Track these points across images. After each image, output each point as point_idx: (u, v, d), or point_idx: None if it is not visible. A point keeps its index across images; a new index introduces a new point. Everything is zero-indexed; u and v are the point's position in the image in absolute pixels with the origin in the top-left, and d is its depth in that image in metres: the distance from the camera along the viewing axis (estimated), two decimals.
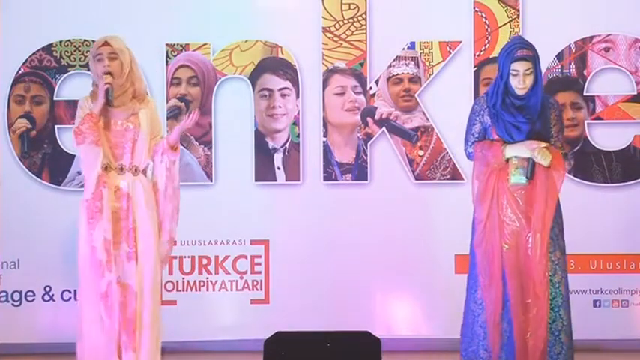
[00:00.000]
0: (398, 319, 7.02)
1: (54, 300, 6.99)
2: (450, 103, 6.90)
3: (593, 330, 6.79)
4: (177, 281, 6.99)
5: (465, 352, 5.60)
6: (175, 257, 6.84)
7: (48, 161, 7.06)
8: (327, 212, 7.01)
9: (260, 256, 7.04)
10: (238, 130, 7.04)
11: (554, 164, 5.48)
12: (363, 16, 7.04)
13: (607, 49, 6.99)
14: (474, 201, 5.59)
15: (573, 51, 6.99)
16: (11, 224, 6.98)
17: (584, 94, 6.98)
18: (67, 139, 7.01)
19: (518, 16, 6.99)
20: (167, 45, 7.05)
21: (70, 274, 6.68)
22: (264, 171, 7.05)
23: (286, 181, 7.05)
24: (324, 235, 6.98)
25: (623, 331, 6.92)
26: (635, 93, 6.98)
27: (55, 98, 7.06)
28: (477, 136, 5.61)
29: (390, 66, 7.03)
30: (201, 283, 7.04)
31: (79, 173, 6.97)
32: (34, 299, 7.01)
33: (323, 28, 7.06)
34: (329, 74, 7.06)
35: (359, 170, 7.04)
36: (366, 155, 7.02)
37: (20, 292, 7.02)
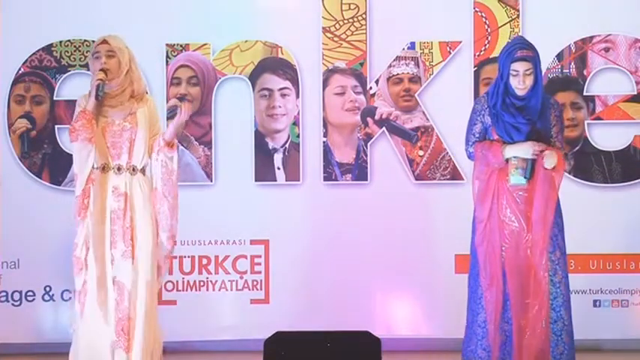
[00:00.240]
0: (398, 319, 7.02)
1: (54, 300, 6.99)
2: (450, 103, 6.90)
3: (593, 330, 6.79)
4: (177, 281, 6.99)
5: (465, 352, 5.60)
6: (175, 257, 6.83)
7: (48, 161, 7.06)
8: (327, 212, 7.01)
9: (260, 256, 7.04)
10: (238, 130, 7.04)
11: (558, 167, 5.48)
12: (363, 16, 7.04)
13: (607, 49, 6.99)
14: (475, 201, 5.59)
15: (573, 51, 6.99)
16: (11, 224, 6.98)
17: (584, 94, 6.98)
18: (67, 139, 6.97)
19: (518, 16, 6.99)
20: (167, 45, 7.05)
21: (70, 274, 6.67)
22: (264, 171, 7.05)
23: (286, 181, 7.05)
24: (324, 235, 6.98)
25: (623, 331, 6.92)
26: (635, 93, 6.98)
27: (55, 98, 7.06)
28: (477, 136, 5.61)
29: (390, 66, 7.03)
30: (201, 283, 7.04)
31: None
32: (34, 299, 7.01)
33: (323, 28, 7.06)
34: (329, 74, 7.06)
35: (359, 170, 7.04)
36: (366, 155, 7.02)
37: (20, 292, 7.02)
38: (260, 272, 7.03)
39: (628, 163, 6.96)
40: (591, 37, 6.99)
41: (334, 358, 5.29)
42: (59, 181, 7.03)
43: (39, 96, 7.07)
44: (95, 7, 7.01)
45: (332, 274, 6.95)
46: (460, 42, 7.01)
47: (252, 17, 7.07)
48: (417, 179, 7.02)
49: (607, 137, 6.97)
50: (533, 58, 5.46)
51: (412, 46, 7.03)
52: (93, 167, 5.39)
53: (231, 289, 7.03)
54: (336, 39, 7.06)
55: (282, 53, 7.06)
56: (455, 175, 6.94)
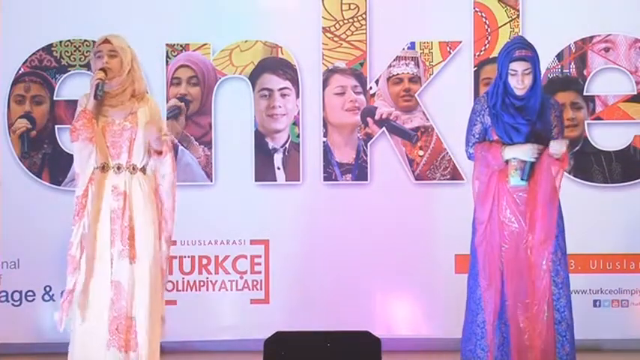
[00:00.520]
0: (398, 319, 7.02)
1: (54, 300, 6.98)
2: (450, 103, 6.90)
3: (593, 330, 6.79)
4: (177, 281, 6.99)
5: (464, 351, 5.60)
6: (175, 257, 6.84)
7: (48, 161, 7.06)
8: (327, 212, 7.01)
9: (260, 256, 7.04)
10: (238, 130, 7.04)
11: (553, 162, 5.47)
12: (363, 16, 7.04)
13: (607, 49, 6.99)
14: (475, 202, 5.59)
15: (573, 51, 6.99)
16: (11, 224, 6.98)
17: (584, 94, 6.98)
18: (67, 139, 7.00)
19: (518, 16, 6.99)
20: (167, 45, 7.05)
21: None
22: (264, 171, 7.05)
23: (286, 181, 7.05)
24: (324, 235, 6.98)
25: (623, 331, 6.92)
26: (635, 93, 6.98)
27: (55, 98, 7.06)
28: (477, 136, 5.60)
29: (390, 66, 7.03)
30: (201, 283, 7.04)
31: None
32: (34, 299, 7.01)
33: (323, 28, 7.07)
34: (329, 74, 7.06)
35: (359, 170, 7.04)
36: (366, 155, 7.02)
37: (20, 292, 7.02)
38: (260, 272, 7.03)
39: (628, 163, 6.96)
40: (591, 37, 6.99)
41: (334, 358, 5.29)
42: (59, 181, 7.03)
43: (39, 96, 7.07)
44: (95, 7, 7.01)
45: (332, 274, 6.95)
46: (460, 42, 7.01)
47: (252, 17, 7.07)
48: (417, 179, 7.02)
49: (607, 137, 6.97)
50: (532, 58, 5.46)
51: (412, 46, 7.03)
52: (94, 167, 5.39)
53: (231, 289, 7.03)
54: (336, 39, 7.06)
55: (282, 53, 7.06)
56: (455, 175, 6.94)
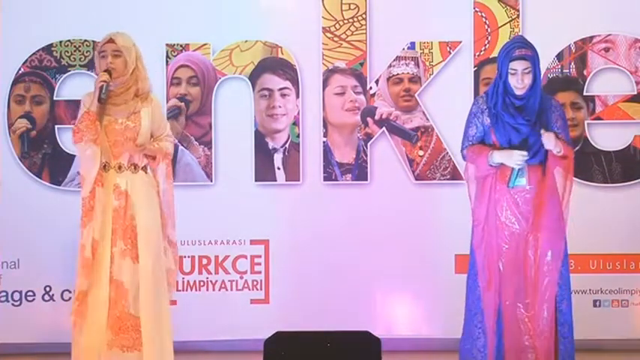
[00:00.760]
0: (398, 319, 7.02)
1: (54, 300, 6.99)
2: (450, 103, 6.90)
3: (593, 330, 6.79)
4: (177, 281, 6.98)
5: (462, 350, 5.61)
6: None
7: (48, 161, 7.06)
8: (327, 212, 7.01)
9: (260, 256, 7.04)
10: (238, 130, 7.04)
11: (559, 162, 5.47)
12: (363, 16, 7.04)
13: (607, 49, 6.99)
14: (471, 203, 5.60)
15: (573, 51, 6.99)
16: (11, 224, 6.98)
17: (584, 94, 6.98)
18: (67, 139, 7.01)
19: (518, 16, 6.99)
20: (167, 45, 7.05)
21: (70, 274, 6.67)
22: (264, 171, 7.05)
23: (286, 181, 7.05)
24: (324, 235, 6.98)
25: (623, 331, 6.92)
26: (635, 93, 6.98)
27: (55, 98, 7.06)
28: (471, 139, 5.59)
29: (390, 66, 7.03)
30: (201, 283, 7.04)
31: (79, 173, 6.95)
32: (34, 299, 7.01)
33: (323, 28, 7.06)
34: (329, 74, 7.06)
35: (359, 170, 7.04)
36: (366, 155, 7.02)
37: (20, 292, 7.02)
38: (260, 272, 7.03)
39: (628, 163, 6.96)
40: (591, 37, 6.99)
41: (334, 358, 5.29)
42: (59, 181, 7.04)
43: (39, 96, 7.07)
44: (95, 7, 7.01)
45: (332, 274, 6.95)
46: (460, 42, 7.01)
47: (252, 17, 7.07)
48: (417, 179, 7.02)
49: (607, 137, 6.97)
50: (532, 57, 5.45)
51: (412, 46, 7.03)
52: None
53: (231, 289, 7.03)
54: (336, 39, 7.06)
55: (282, 53, 7.06)
56: (455, 175, 6.94)
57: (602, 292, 6.95)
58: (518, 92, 5.47)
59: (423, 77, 7.02)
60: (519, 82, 5.44)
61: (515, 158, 5.41)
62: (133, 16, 6.92)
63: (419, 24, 7.04)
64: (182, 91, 7.05)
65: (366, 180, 7.04)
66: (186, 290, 7.00)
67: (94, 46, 7.01)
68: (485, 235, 5.52)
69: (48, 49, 7.06)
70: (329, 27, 7.06)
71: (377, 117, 7.03)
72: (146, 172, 5.49)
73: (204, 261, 7.04)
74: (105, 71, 5.37)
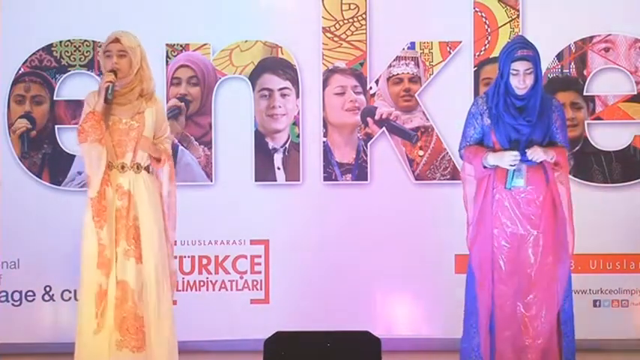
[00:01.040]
0: (398, 319, 7.02)
1: (54, 300, 6.99)
2: (450, 103, 6.90)
3: (593, 330, 6.79)
4: (177, 281, 6.98)
5: (461, 349, 5.63)
6: (175, 257, 6.82)
7: (48, 161, 7.06)
8: (327, 212, 7.01)
9: (260, 256, 7.04)
10: (238, 130, 7.04)
11: (551, 165, 5.48)
12: (363, 16, 7.04)
13: (607, 49, 6.99)
14: (465, 202, 5.61)
15: (573, 51, 6.99)
16: (11, 224, 6.98)
17: (584, 94, 6.98)
18: (67, 139, 7.02)
19: (518, 16, 6.99)
20: (167, 45, 7.05)
21: (70, 274, 6.68)
22: (264, 171, 7.05)
23: (286, 181, 7.05)
24: (324, 235, 6.98)
25: (623, 331, 6.92)
26: (635, 93, 6.98)
27: (55, 98, 7.06)
28: (469, 139, 5.60)
29: (390, 66, 7.03)
30: (201, 283, 7.04)
31: (79, 173, 6.97)
32: (34, 299, 7.01)
33: (323, 28, 7.06)
34: (329, 74, 7.06)
35: (359, 170, 7.04)
36: (366, 155, 7.02)
37: (20, 292, 7.02)
38: (260, 272, 7.03)
39: (628, 163, 6.96)
40: (591, 37, 6.99)
41: (334, 358, 5.29)
42: (59, 181, 7.03)
43: (39, 96, 7.07)
44: (95, 7, 7.01)
45: (332, 274, 6.95)
46: (460, 42, 7.01)
47: (252, 17, 7.07)
48: (417, 179, 7.02)
49: (607, 137, 6.97)
50: (534, 58, 5.46)
51: (412, 46, 7.03)
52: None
53: (231, 289, 7.03)
54: (336, 39, 7.06)
55: (282, 53, 7.06)
56: (455, 175, 6.94)
57: (602, 292, 6.95)
58: (519, 92, 5.47)
59: (423, 77, 7.02)
60: (521, 82, 5.44)
61: (507, 159, 5.41)
62: (133, 16, 6.91)
63: (419, 24, 7.04)
64: (182, 91, 7.05)
65: (366, 180, 7.04)
66: (186, 290, 7.00)
67: (94, 46, 7.01)
68: (479, 236, 5.53)
69: (48, 49, 7.06)
70: (329, 27, 7.06)
71: (377, 117, 7.03)
72: (149, 172, 5.49)
73: (204, 261, 7.04)
74: (110, 71, 5.36)
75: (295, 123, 7.06)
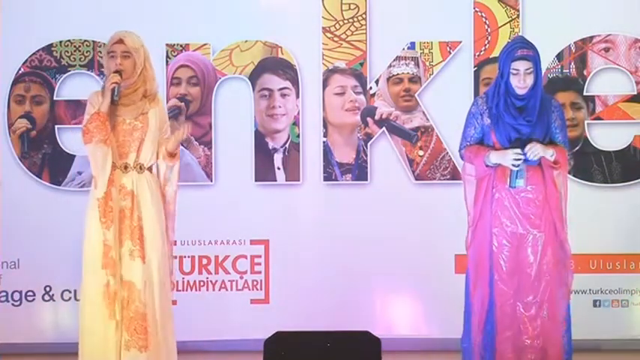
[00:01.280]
0: (398, 319, 7.02)
1: (54, 300, 6.99)
2: (450, 103, 6.90)
3: (593, 330, 6.79)
4: (177, 281, 6.98)
5: (462, 349, 5.62)
6: (175, 257, 6.82)
7: (48, 161, 7.06)
8: (327, 212, 7.01)
9: (260, 256, 7.04)
10: (238, 130, 7.04)
11: (550, 164, 5.47)
12: (363, 16, 7.04)
13: (607, 49, 6.99)
14: (466, 202, 5.61)
15: (573, 51, 6.99)
16: (11, 224, 6.98)
17: (584, 94, 6.98)
18: (67, 139, 7.02)
19: (518, 16, 6.99)
20: (167, 45, 7.05)
21: (70, 274, 6.69)
22: (264, 171, 7.05)
23: (286, 181, 7.05)
24: (324, 235, 6.98)
25: (623, 331, 6.92)
26: (635, 93, 6.98)
27: (55, 98, 7.06)
28: (469, 139, 5.59)
29: (390, 66, 7.03)
30: (201, 283, 7.04)
31: (79, 173, 6.97)
32: (34, 299, 7.01)
33: (323, 28, 7.07)
34: (329, 74, 7.06)
35: (359, 170, 7.04)
36: (366, 155, 7.02)
37: (20, 292, 7.02)
38: (260, 272, 7.03)
39: (628, 163, 6.96)
40: (591, 37, 6.99)
41: (334, 358, 5.29)
42: (59, 181, 7.04)
43: (39, 96, 7.07)
44: (95, 7, 7.00)
45: (332, 273, 6.95)
46: (460, 42, 7.01)
47: (252, 17, 7.07)
48: (417, 179, 7.02)
49: (607, 137, 6.97)
50: (534, 57, 5.45)
51: (412, 46, 7.03)
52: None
53: (231, 289, 7.03)
54: (336, 39, 7.06)
55: (282, 53, 7.06)
56: (455, 175, 6.94)
57: (602, 292, 6.95)
58: (519, 92, 5.47)
59: (423, 77, 7.03)
60: (521, 82, 5.44)
61: (510, 157, 5.41)
62: (133, 16, 6.91)
63: (419, 24, 7.04)
64: (182, 91, 7.05)
65: (366, 180, 7.04)
66: (186, 290, 7.00)
67: (94, 46, 7.02)
68: (477, 236, 5.53)
69: (48, 49, 7.06)
70: (329, 27, 7.06)
71: (377, 117, 7.03)
72: (151, 173, 5.49)
73: (204, 261, 7.04)
74: (115, 72, 5.36)
75: (295, 123, 7.06)
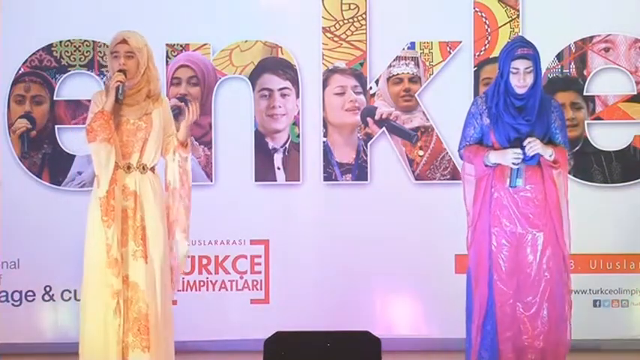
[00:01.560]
0: (398, 319, 7.02)
1: (54, 300, 6.99)
2: (450, 103, 6.90)
3: (593, 330, 6.79)
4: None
5: (466, 349, 5.62)
6: None
7: (48, 161, 7.06)
8: (327, 212, 7.01)
9: (260, 256, 7.04)
10: (238, 130, 7.04)
11: (549, 164, 5.48)
12: (363, 16, 7.04)
13: (607, 49, 6.99)
14: (465, 202, 5.61)
15: (573, 51, 6.99)
16: (11, 224, 6.98)
17: (584, 94, 6.98)
18: (67, 139, 7.02)
19: (518, 16, 7.00)
20: (167, 45, 7.05)
21: (70, 274, 6.69)
22: (264, 171, 7.05)
23: (286, 181, 7.06)
24: (324, 235, 6.98)
25: (623, 331, 6.92)
26: (635, 93, 6.98)
27: (55, 98, 7.06)
28: (468, 139, 5.60)
29: (390, 66, 7.04)
30: (201, 283, 7.04)
31: (80, 173, 6.98)
32: (34, 299, 7.01)
33: (323, 28, 7.07)
34: (329, 74, 7.06)
35: (359, 170, 7.04)
36: (366, 155, 7.03)
37: (20, 292, 7.02)
38: (260, 272, 7.04)
39: (628, 163, 6.97)
40: (591, 37, 6.99)
41: (334, 358, 5.29)
42: (59, 181, 7.04)
43: (39, 96, 7.07)
44: (95, 7, 7.01)
45: (332, 273, 6.95)
46: (460, 42, 7.01)
47: (252, 17, 7.07)
48: (417, 179, 7.02)
49: (607, 137, 6.97)
50: (534, 57, 5.45)
51: (412, 46, 7.04)
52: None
53: (231, 289, 7.03)
54: (336, 39, 7.06)
55: (282, 53, 7.06)
56: (455, 175, 6.94)
57: (602, 292, 6.95)
58: (519, 91, 5.47)
59: (423, 77, 7.03)
60: (521, 81, 5.44)
61: (510, 157, 5.41)
62: (133, 16, 6.91)
63: (419, 24, 7.04)
64: (182, 91, 7.05)
65: (366, 180, 7.04)
66: (186, 290, 7.00)
67: (94, 46, 7.02)
68: (477, 236, 5.53)
69: (48, 49, 7.06)
70: (329, 27, 7.06)
71: (377, 117, 7.03)
72: (154, 173, 5.50)
73: (204, 261, 7.04)
74: (120, 71, 5.36)
75: (295, 123, 7.06)
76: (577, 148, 6.93)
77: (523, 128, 5.47)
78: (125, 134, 5.41)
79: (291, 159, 7.05)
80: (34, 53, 7.05)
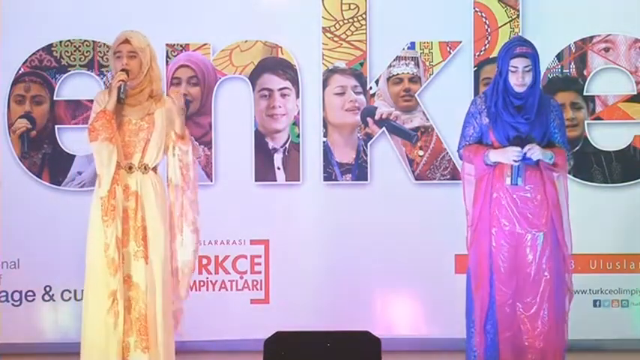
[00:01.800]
0: (398, 319, 7.02)
1: (54, 300, 6.99)
2: (450, 103, 6.89)
3: (593, 330, 6.79)
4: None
5: (466, 349, 5.63)
6: None
7: (48, 161, 7.06)
8: (327, 212, 7.01)
9: (260, 256, 7.04)
10: (238, 130, 7.04)
11: (548, 165, 5.48)
12: (363, 16, 7.04)
13: (607, 49, 6.99)
14: (465, 202, 5.61)
15: (573, 51, 6.99)
16: (11, 224, 6.98)
17: (584, 94, 6.98)
18: (67, 139, 7.02)
19: (518, 16, 6.99)
20: (167, 45, 7.04)
21: (69, 274, 6.70)
22: (264, 171, 7.05)
23: (286, 181, 7.05)
24: (324, 235, 6.98)
25: (623, 331, 6.92)
26: (635, 93, 6.98)
27: (55, 98, 7.06)
28: (468, 139, 5.61)
29: (390, 66, 7.04)
30: (201, 283, 7.04)
31: (79, 173, 6.97)
32: (34, 299, 7.01)
33: (323, 28, 7.07)
34: (329, 74, 7.06)
35: (359, 170, 7.04)
36: (366, 155, 7.03)
37: (20, 292, 7.02)
38: (260, 272, 7.04)
39: (628, 163, 6.97)
40: (591, 37, 6.99)
41: (334, 358, 5.29)
42: (59, 181, 7.04)
43: (39, 96, 7.07)
44: (95, 7, 7.01)
45: (332, 273, 6.95)
46: (460, 42, 7.01)
47: (252, 17, 7.07)
48: (417, 179, 7.02)
49: (607, 137, 6.97)
50: (533, 55, 5.46)
51: (412, 46, 7.04)
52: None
53: (231, 289, 7.03)
54: (336, 39, 7.06)
55: (282, 53, 7.06)
56: (455, 175, 6.94)
57: (602, 292, 6.95)
58: (518, 90, 5.47)
59: (423, 77, 7.03)
60: (520, 79, 5.45)
61: (510, 155, 5.41)
62: (133, 16, 6.91)
63: (419, 24, 7.04)
64: (182, 91, 7.04)
65: (366, 180, 7.04)
66: None
67: (94, 46, 7.02)
68: (477, 236, 5.53)
69: (48, 49, 7.06)
70: (329, 27, 7.06)
71: (377, 117, 7.03)
72: (156, 173, 5.49)
73: (204, 261, 7.04)
74: (122, 70, 5.36)
75: (295, 123, 7.06)
76: (577, 148, 6.93)
77: (522, 127, 5.47)
78: (127, 134, 5.41)
79: (291, 159, 7.05)
80: (34, 53, 7.05)
